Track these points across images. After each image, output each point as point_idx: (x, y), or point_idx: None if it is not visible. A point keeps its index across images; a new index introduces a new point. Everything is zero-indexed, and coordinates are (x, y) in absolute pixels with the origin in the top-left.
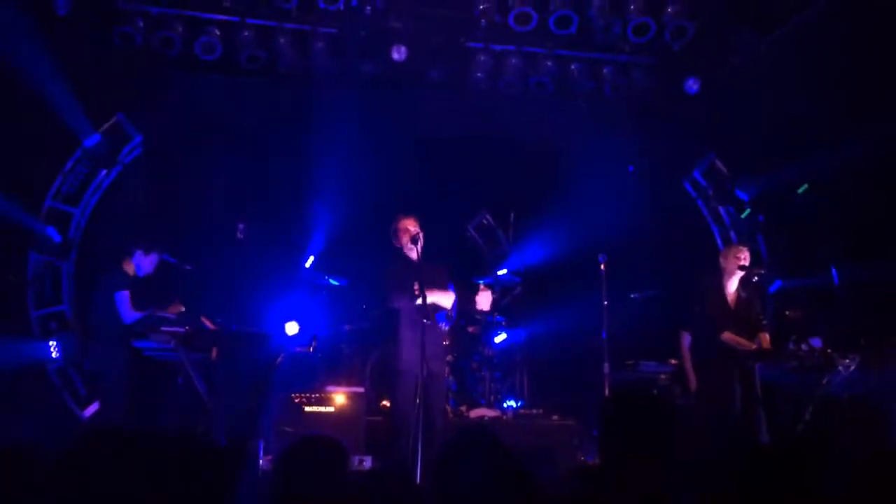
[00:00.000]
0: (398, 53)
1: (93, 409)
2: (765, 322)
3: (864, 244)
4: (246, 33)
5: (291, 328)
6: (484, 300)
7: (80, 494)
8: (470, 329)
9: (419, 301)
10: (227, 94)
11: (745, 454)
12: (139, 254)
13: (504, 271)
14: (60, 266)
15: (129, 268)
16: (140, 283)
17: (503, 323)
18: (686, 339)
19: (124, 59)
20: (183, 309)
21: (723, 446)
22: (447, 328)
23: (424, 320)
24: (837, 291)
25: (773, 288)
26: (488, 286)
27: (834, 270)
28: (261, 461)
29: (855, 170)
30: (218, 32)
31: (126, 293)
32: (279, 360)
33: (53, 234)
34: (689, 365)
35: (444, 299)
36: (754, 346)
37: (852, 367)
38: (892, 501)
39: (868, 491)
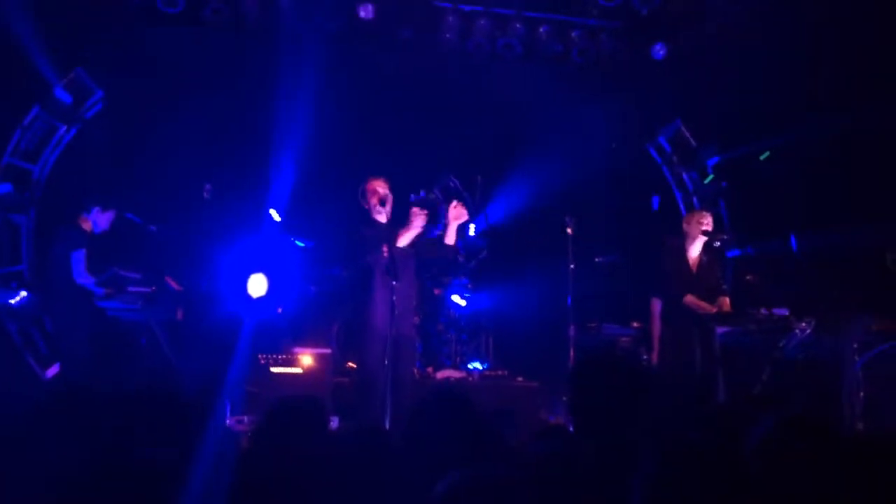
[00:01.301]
0: (365, 11)
1: (54, 369)
2: (724, 286)
3: (824, 212)
4: None
5: (257, 282)
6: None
7: (44, 452)
8: (436, 291)
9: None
10: (191, 49)
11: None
12: (96, 210)
13: (472, 232)
14: (19, 225)
15: (87, 225)
16: (98, 241)
17: (468, 286)
18: (657, 305)
19: (84, 13)
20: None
21: (682, 406)
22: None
23: (393, 282)
24: (797, 258)
25: (732, 253)
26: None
27: (793, 237)
28: (227, 421)
29: (817, 138)
30: None
31: (82, 253)
32: (245, 320)
33: (9, 187)
34: (656, 332)
35: (410, 233)
36: (715, 310)
37: (808, 331)
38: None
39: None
